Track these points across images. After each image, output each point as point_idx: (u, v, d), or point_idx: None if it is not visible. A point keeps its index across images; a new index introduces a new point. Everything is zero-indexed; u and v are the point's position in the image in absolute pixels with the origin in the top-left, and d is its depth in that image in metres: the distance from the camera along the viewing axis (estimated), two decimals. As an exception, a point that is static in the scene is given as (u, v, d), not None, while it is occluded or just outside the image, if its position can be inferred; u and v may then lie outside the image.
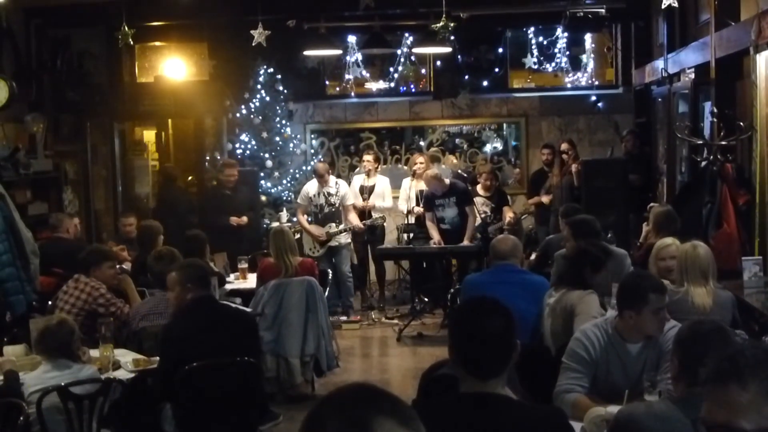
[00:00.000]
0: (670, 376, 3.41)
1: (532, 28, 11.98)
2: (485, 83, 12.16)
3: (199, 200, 10.91)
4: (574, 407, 3.84)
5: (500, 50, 12.17)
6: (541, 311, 5.42)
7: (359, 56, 12.08)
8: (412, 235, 9.94)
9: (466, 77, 12.06)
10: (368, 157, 10.54)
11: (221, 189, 10.20)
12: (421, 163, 10.25)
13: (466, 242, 9.46)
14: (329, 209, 10.07)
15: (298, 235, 9.87)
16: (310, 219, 10.27)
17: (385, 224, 10.50)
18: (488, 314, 2.90)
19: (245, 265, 8.41)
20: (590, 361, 4.06)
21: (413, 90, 12.56)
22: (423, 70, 12.40)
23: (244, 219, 9.92)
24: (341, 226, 10.00)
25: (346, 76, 12.29)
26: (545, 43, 12.08)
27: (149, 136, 12.87)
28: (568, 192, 10.26)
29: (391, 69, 12.21)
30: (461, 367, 2.88)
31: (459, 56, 11.74)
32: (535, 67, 12.17)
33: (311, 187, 10.21)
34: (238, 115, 11.31)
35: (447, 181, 9.64)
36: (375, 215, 10.21)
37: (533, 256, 8.31)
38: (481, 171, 10.78)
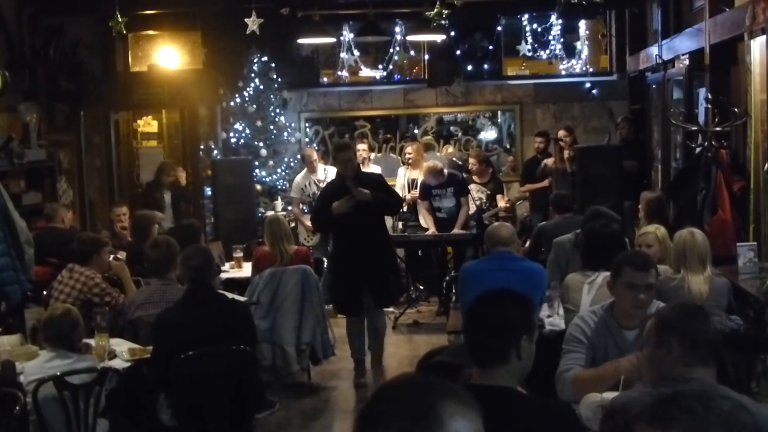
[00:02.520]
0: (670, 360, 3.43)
1: (527, 15, 11.95)
2: (480, 71, 12.13)
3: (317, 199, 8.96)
4: (574, 382, 3.85)
5: (494, 37, 12.14)
6: (540, 298, 5.46)
7: (353, 44, 12.05)
8: (405, 223, 9.93)
9: (461, 65, 12.03)
10: (362, 146, 10.51)
11: (341, 181, 7.62)
12: (409, 153, 10.17)
13: (457, 230, 9.45)
14: None
15: (293, 224, 9.86)
16: (305, 209, 10.25)
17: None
18: (490, 303, 2.96)
19: (240, 254, 8.41)
20: (587, 344, 4.07)
21: (407, 78, 12.53)
22: (417, 58, 12.37)
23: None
24: None
25: (340, 64, 12.26)
26: (539, 30, 12.05)
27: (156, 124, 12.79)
28: (561, 178, 10.26)
29: (386, 57, 12.18)
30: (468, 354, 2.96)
31: (453, 44, 11.71)
32: (530, 54, 12.14)
33: (301, 177, 10.21)
34: (231, 103, 11.28)
35: (445, 171, 9.60)
36: None
37: (528, 243, 8.31)
38: (470, 155, 10.73)
